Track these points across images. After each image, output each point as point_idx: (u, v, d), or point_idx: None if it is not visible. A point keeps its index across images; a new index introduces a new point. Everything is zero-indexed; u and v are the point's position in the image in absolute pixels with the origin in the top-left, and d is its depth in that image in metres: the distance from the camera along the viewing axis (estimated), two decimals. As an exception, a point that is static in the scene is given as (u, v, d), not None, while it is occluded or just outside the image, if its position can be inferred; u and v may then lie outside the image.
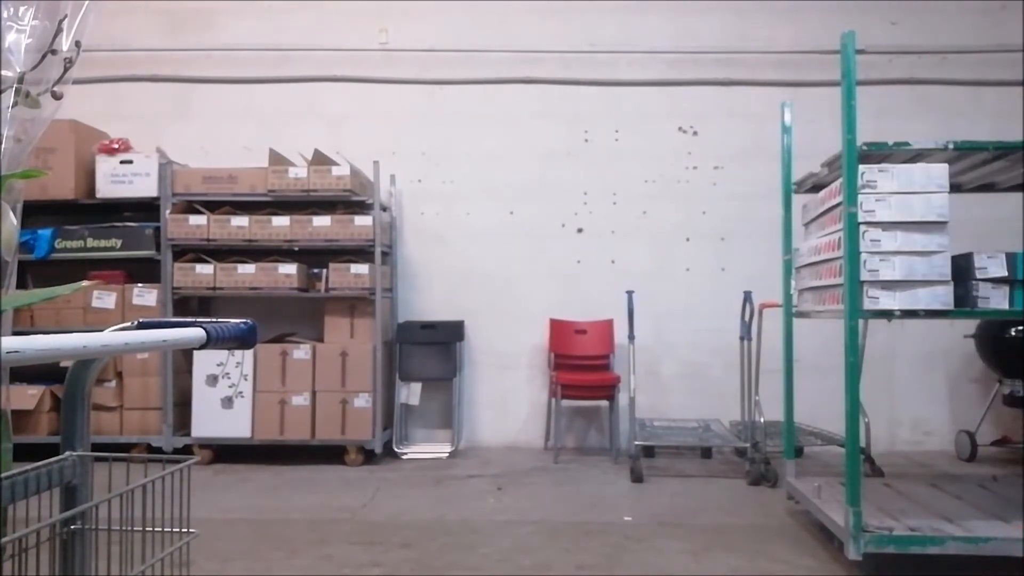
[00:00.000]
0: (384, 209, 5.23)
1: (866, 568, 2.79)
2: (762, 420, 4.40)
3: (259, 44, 5.56)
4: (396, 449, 5.10)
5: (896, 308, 2.75)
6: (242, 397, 4.75)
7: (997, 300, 2.77)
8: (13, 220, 1.49)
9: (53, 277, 5.09)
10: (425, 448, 5.17)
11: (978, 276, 2.77)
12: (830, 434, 4.61)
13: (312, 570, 2.90)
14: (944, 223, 2.75)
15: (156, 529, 1.33)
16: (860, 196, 2.77)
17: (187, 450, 4.71)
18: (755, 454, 4.34)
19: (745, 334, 4.62)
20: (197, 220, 4.85)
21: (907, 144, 2.85)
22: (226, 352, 4.72)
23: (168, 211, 4.88)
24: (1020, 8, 5.34)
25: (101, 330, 1.16)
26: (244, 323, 1.37)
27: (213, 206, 4.93)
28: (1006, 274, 2.75)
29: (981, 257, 2.78)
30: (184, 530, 1.35)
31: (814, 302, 3.37)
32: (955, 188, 3.17)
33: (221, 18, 5.59)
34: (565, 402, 5.13)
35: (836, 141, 2.93)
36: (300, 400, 4.74)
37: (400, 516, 3.64)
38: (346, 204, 4.96)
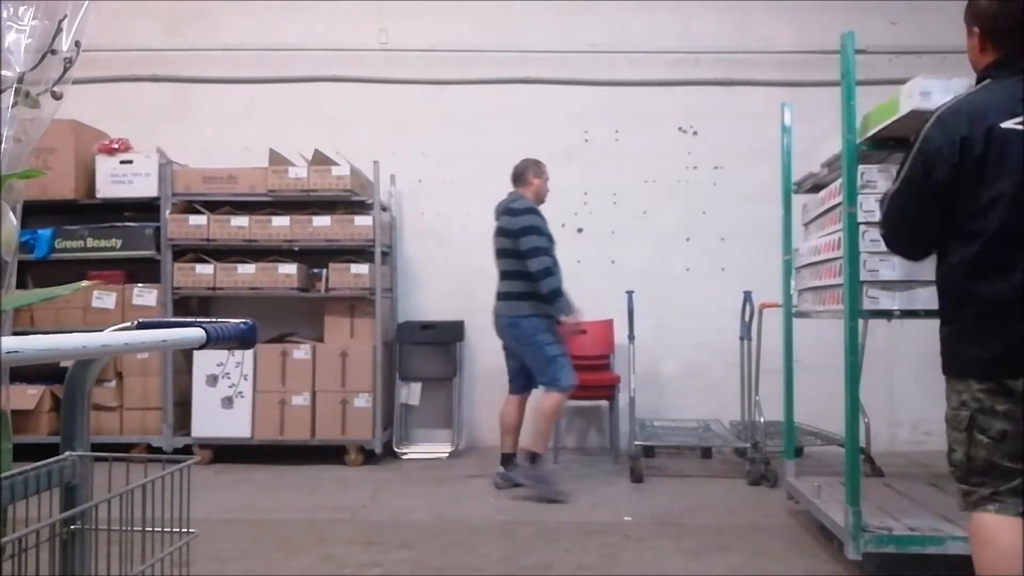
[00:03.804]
0: (384, 209, 5.23)
1: (866, 568, 2.79)
2: (762, 420, 4.39)
3: (259, 44, 5.55)
4: (396, 449, 5.10)
5: (896, 308, 2.75)
6: (242, 397, 4.75)
7: (997, 300, 2.76)
8: (13, 220, 1.49)
9: (53, 277, 5.08)
10: (425, 448, 5.17)
11: (978, 276, 2.76)
12: (830, 434, 4.60)
13: (312, 570, 2.90)
14: (944, 223, 2.74)
15: (156, 529, 1.33)
16: (860, 196, 2.77)
17: (187, 450, 4.70)
18: (755, 454, 4.34)
19: (745, 334, 4.62)
20: (197, 220, 4.85)
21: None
22: (226, 352, 4.71)
23: (168, 211, 4.88)
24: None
25: (101, 330, 1.15)
26: (244, 323, 1.37)
27: (213, 206, 4.93)
28: (1006, 274, 2.75)
29: (981, 257, 2.77)
30: (184, 530, 1.35)
31: (814, 302, 3.37)
32: (955, 188, 3.16)
33: (221, 18, 5.59)
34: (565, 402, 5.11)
35: (836, 141, 2.93)
36: (300, 400, 4.74)
37: (400, 516, 3.64)
38: (346, 204, 4.96)
